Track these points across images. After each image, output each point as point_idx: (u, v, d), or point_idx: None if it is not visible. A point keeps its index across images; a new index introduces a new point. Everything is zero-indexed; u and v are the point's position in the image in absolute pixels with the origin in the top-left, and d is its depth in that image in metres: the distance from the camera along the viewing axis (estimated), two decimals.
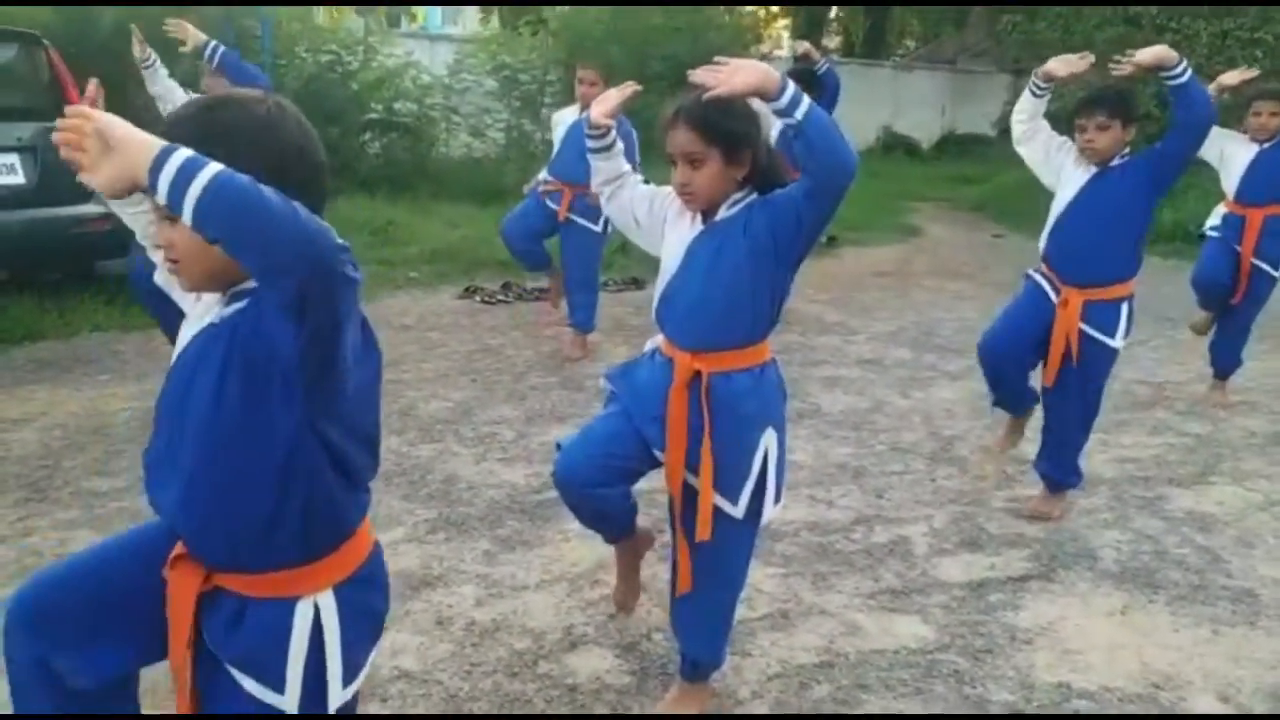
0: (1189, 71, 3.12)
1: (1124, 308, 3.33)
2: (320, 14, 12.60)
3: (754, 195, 2.12)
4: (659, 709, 2.37)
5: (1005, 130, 13.19)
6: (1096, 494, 3.79)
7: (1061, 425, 3.50)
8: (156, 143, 1.17)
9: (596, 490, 2.22)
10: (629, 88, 2.34)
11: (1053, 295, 3.38)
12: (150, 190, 1.18)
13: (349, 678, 1.48)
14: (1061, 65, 3.45)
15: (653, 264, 2.29)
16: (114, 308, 5.77)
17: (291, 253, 1.16)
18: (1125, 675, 2.60)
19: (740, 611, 2.83)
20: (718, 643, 2.35)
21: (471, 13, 22.11)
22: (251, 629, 1.42)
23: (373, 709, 2.34)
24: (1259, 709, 2.47)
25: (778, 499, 2.25)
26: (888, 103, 18.02)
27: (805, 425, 4.48)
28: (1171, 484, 3.92)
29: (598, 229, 5.35)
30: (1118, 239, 3.29)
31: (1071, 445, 3.52)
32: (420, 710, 2.37)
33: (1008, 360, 3.49)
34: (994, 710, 2.44)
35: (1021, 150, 3.56)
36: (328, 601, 1.44)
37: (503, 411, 4.51)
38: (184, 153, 1.16)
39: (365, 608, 1.51)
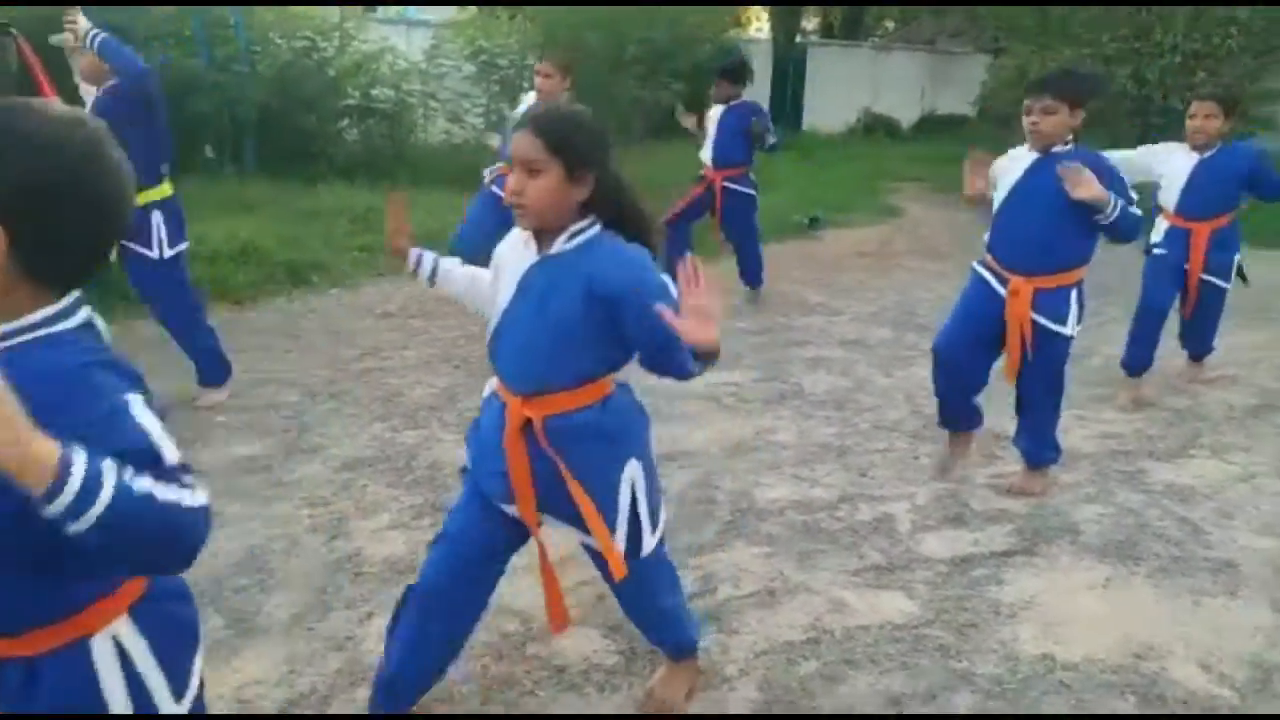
0: (1118, 210, 3.09)
1: (1073, 294, 3.26)
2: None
3: (596, 230, 1.95)
4: (650, 686, 2.37)
5: (984, 110, 13.17)
6: (1078, 469, 3.83)
7: (1032, 407, 3.51)
8: (53, 460, 0.99)
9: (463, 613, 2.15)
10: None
11: (999, 287, 3.30)
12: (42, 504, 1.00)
13: (180, 690, 1.33)
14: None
15: None
16: (90, 301, 5.68)
17: (162, 560, 1.11)
18: (1107, 646, 2.63)
19: (726, 590, 2.86)
20: (678, 631, 2.32)
21: None
22: (52, 688, 1.23)
23: (360, 694, 2.34)
24: (1239, 677, 2.51)
25: (654, 528, 2.10)
26: (867, 84, 18.01)
27: (789, 406, 4.50)
28: (1152, 458, 3.96)
29: None
30: (1061, 227, 3.19)
31: (1045, 423, 3.53)
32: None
33: (965, 360, 3.42)
34: (979, 683, 2.46)
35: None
36: (126, 629, 1.27)
37: None
38: (79, 475, 1.00)
39: (171, 620, 1.34)
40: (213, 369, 4.35)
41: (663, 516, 2.15)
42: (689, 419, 4.30)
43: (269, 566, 2.94)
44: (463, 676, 2.38)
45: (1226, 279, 4.59)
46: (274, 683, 2.39)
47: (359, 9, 13.20)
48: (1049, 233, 3.20)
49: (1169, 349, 5.25)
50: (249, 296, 5.94)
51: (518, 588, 2.85)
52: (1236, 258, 4.61)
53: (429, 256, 2.29)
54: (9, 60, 5.73)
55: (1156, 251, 4.60)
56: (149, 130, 3.94)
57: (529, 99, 5.43)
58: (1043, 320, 3.27)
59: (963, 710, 2.37)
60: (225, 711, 2.31)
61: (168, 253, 4.05)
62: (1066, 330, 3.29)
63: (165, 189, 4.08)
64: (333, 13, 11.09)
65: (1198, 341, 4.88)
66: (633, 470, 2.04)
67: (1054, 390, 3.47)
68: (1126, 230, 3.16)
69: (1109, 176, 3.13)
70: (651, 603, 2.26)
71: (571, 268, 1.92)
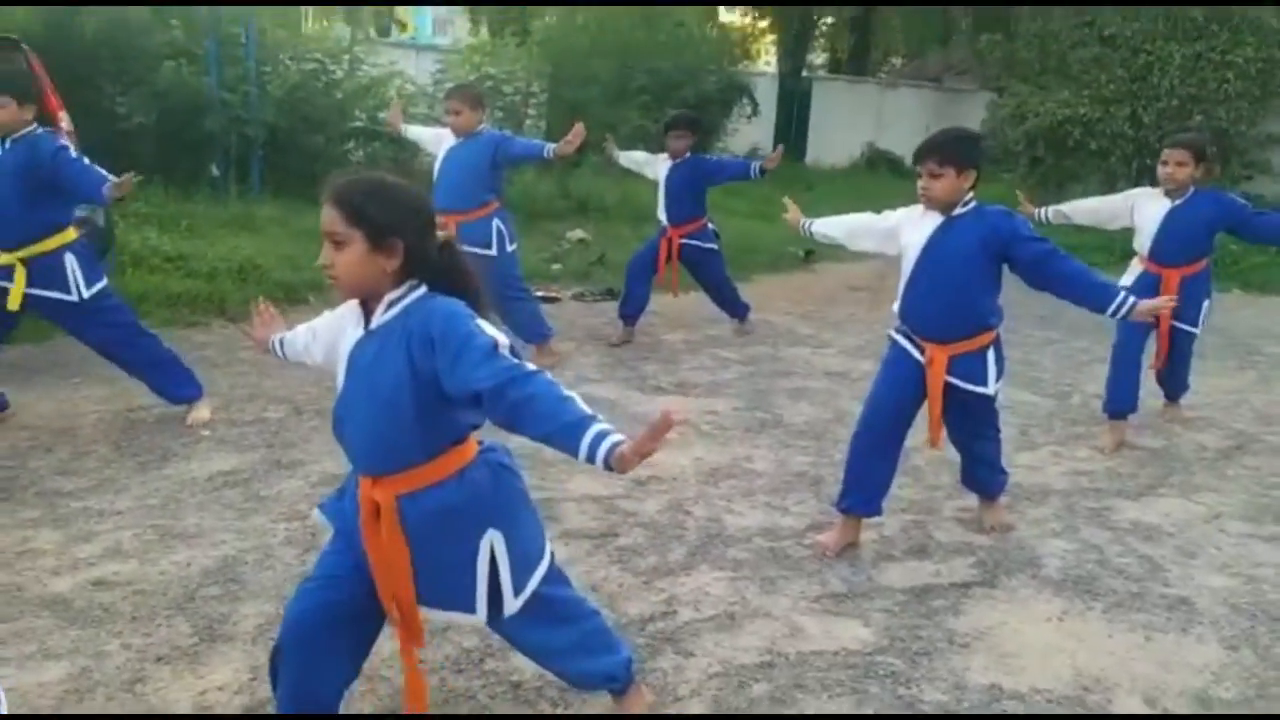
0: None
1: (990, 354, 3.26)
2: (308, 22, 12.69)
3: (418, 294, 1.92)
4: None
5: (989, 149, 13.26)
6: (1046, 504, 3.88)
7: (971, 450, 3.55)
8: None
9: (316, 656, 2.04)
10: None
11: (917, 354, 3.28)
12: None
13: None
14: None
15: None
16: None
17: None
18: (1056, 678, 2.68)
19: (686, 613, 2.91)
20: (585, 663, 2.26)
21: (461, 24, 22.22)
22: None
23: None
24: (1181, 712, 2.55)
25: (519, 589, 2.05)
26: (872, 119, 18.19)
27: (767, 435, 4.56)
28: (1120, 496, 4.01)
29: (493, 252, 5.21)
30: (970, 291, 3.18)
31: (990, 457, 3.56)
32: (368, 706, 2.43)
33: (887, 438, 3.33)
34: (925, 709, 2.51)
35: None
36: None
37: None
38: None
39: None
40: (180, 382, 4.30)
41: (541, 570, 2.11)
42: (667, 444, 4.35)
43: (241, 577, 3.01)
44: None
45: (1195, 325, 4.61)
46: (235, 690, 2.45)
47: (371, 32, 13.42)
48: (959, 297, 3.18)
49: (1152, 386, 5.31)
50: (244, 314, 6.02)
51: None
52: (1206, 304, 4.65)
53: (276, 339, 2.37)
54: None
55: None
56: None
57: (446, 134, 5.37)
58: (962, 384, 3.25)
59: None
60: (188, 711, 2.37)
61: (87, 293, 4.02)
62: (988, 390, 3.29)
63: (71, 233, 4.06)
64: (343, 35, 11.29)
65: (1174, 384, 4.92)
66: (491, 540, 1.99)
67: (989, 433, 3.51)
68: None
69: (1008, 232, 3.14)
70: (541, 646, 2.22)
71: (393, 337, 1.88)
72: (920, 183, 3.17)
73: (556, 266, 8.30)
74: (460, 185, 5.20)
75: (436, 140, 5.47)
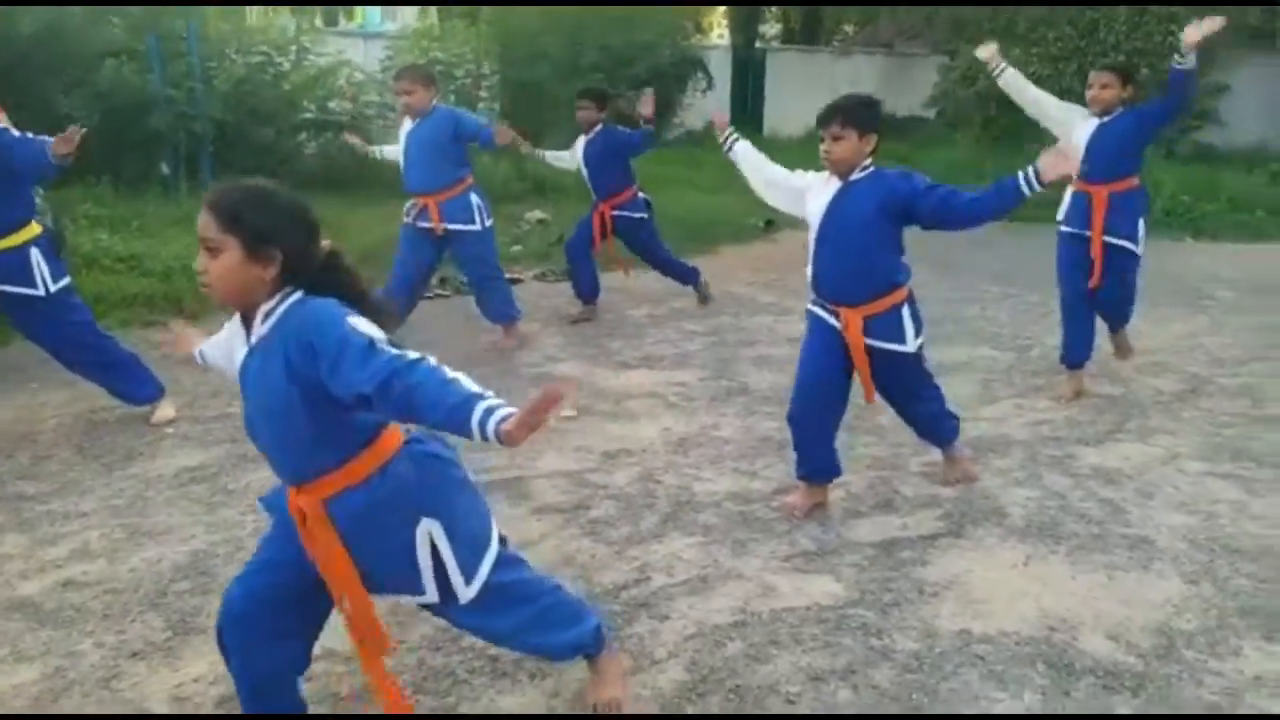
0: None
1: (905, 311, 3.27)
2: (251, 15, 12.48)
3: (292, 300, 1.87)
4: (589, 701, 2.35)
5: (940, 112, 13.39)
6: (1009, 455, 3.95)
7: (911, 407, 3.57)
8: None
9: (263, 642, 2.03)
10: None
11: (833, 320, 3.30)
12: None
13: None
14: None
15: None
16: None
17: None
18: (1022, 620, 2.74)
19: (659, 579, 2.95)
20: (549, 636, 2.23)
21: (410, 10, 21.96)
22: None
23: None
24: (1144, 644, 2.62)
25: (470, 577, 2.04)
26: (826, 87, 18.12)
27: (734, 402, 4.60)
28: (1081, 443, 4.08)
29: (477, 226, 5.23)
30: (872, 251, 3.20)
31: (934, 409, 3.58)
32: (346, 688, 2.44)
33: (822, 409, 3.36)
34: (898, 658, 2.56)
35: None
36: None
37: None
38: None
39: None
40: (140, 382, 4.24)
41: (491, 554, 2.08)
42: (635, 417, 4.40)
43: (211, 570, 3.00)
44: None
45: (1134, 242, 4.50)
46: (211, 680, 2.45)
47: (318, 23, 13.22)
48: (862, 260, 3.20)
49: (1104, 336, 5.40)
50: (203, 310, 5.96)
51: None
52: (1142, 223, 4.55)
53: (197, 351, 2.29)
54: None
55: (1062, 229, 4.64)
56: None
57: (404, 126, 5.31)
58: (881, 344, 3.27)
59: (882, 684, 2.46)
60: (163, 710, 2.37)
61: (53, 287, 3.98)
62: (908, 348, 3.30)
63: (35, 228, 4.02)
64: (288, 26, 11.12)
65: (1114, 310, 4.78)
66: (428, 528, 1.97)
67: (924, 389, 3.51)
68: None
69: (907, 191, 3.13)
70: (505, 630, 2.18)
71: (272, 350, 1.85)
72: (823, 146, 3.17)
73: (517, 248, 8.27)
74: (429, 164, 5.16)
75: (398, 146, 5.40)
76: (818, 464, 3.42)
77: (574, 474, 3.75)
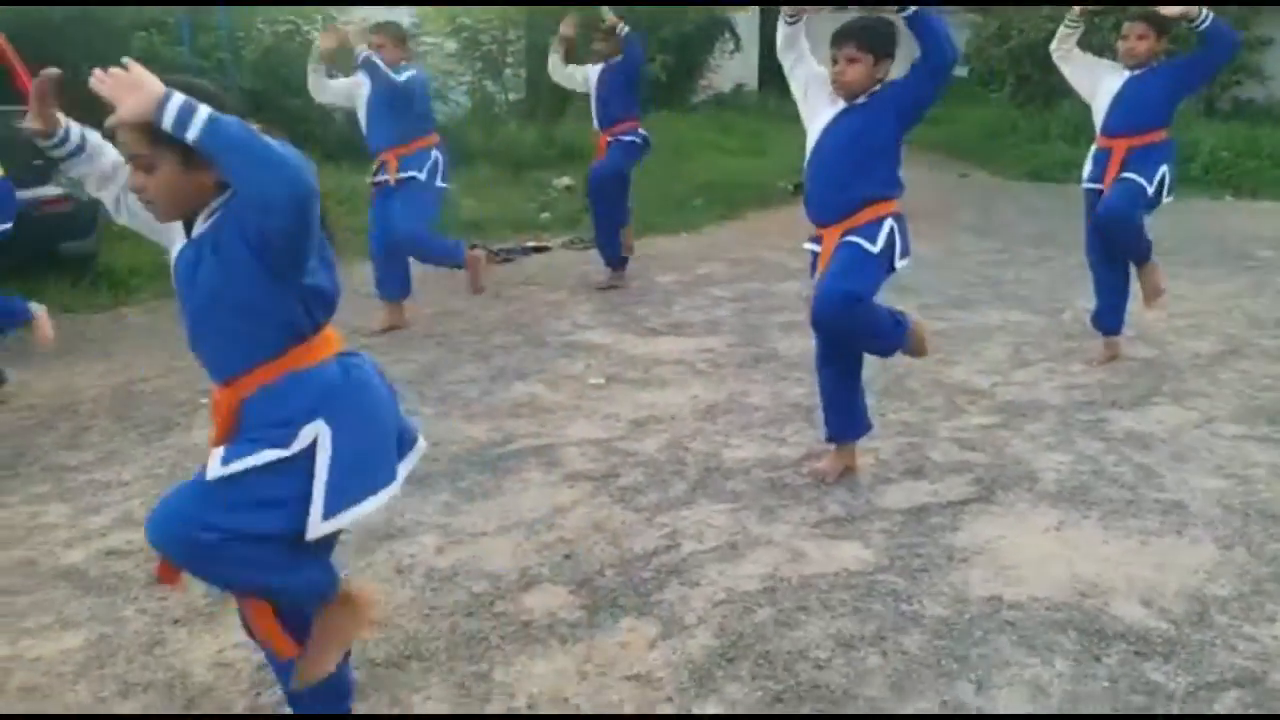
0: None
1: (888, 223, 3.14)
2: None
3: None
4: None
5: (973, 70, 13.10)
6: (1042, 419, 3.92)
7: (838, 381, 3.35)
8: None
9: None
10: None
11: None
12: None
13: None
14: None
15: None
16: (79, 289, 5.83)
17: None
18: (1054, 586, 2.73)
19: (689, 546, 2.98)
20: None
21: None
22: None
23: None
24: (1177, 610, 2.61)
25: (330, 511, 1.84)
26: None
27: (762, 369, 4.59)
28: (1114, 407, 4.04)
29: (422, 176, 5.12)
30: (861, 164, 3.12)
31: (867, 334, 3.29)
32: (381, 654, 2.49)
33: (842, 362, 3.34)
34: (928, 624, 2.57)
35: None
36: None
37: (467, 370, 4.61)
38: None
39: None
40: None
41: (351, 514, 1.88)
42: (664, 384, 4.41)
43: None
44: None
45: (1146, 180, 4.24)
46: (252, 646, 2.49)
47: None
48: (848, 174, 3.13)
49: (1137, 301, 5.32)
50: None
51: (489, 550, 2.98)
52: (1164, 169, 4.30)
53: (71, 129, 1.95)
54: None
55: (1084, 188, 4.50)
56: None
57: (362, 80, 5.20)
58: (850, 238, 3.13)
59: (912, 650, 2.47)
60: (205, 681, 2.43)
61: None
62: (872, 247, 3.11)
63: None
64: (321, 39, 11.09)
65: (1115, 228, 4.37)
66: (315, 430, 1.83)
67: (850, 289, 3.11)
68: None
69: (901, 84, 3.08)
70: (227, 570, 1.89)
71: (220, 234, 1.80)
72: (835, 68, 3.09)
73: (545, 215, 8.27)
74: (390, 120, 5.10)
75: (350, 92, 5.30)
76: (844, 420, 3.40)
77: (603, 442, 3.78)
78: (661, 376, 4.51)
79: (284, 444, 1.82)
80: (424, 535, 3.06)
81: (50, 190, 5.53)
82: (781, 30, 3.29)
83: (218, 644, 2.54)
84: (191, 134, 1.62)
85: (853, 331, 3.26)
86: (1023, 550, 2.93)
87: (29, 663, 2.48)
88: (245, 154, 1.64)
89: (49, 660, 2.49)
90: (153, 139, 1.72)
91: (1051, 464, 3.51)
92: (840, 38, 3.08)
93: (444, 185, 5.28)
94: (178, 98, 1.63)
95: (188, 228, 1.86)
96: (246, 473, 1.79)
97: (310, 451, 1.83)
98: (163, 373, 4.48)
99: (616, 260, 6.18)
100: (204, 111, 1.62)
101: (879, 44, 3.07)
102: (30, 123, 1.91)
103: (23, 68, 5.64)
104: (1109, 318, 4.59)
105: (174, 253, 1.90)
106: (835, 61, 3.10)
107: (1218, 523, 3.07)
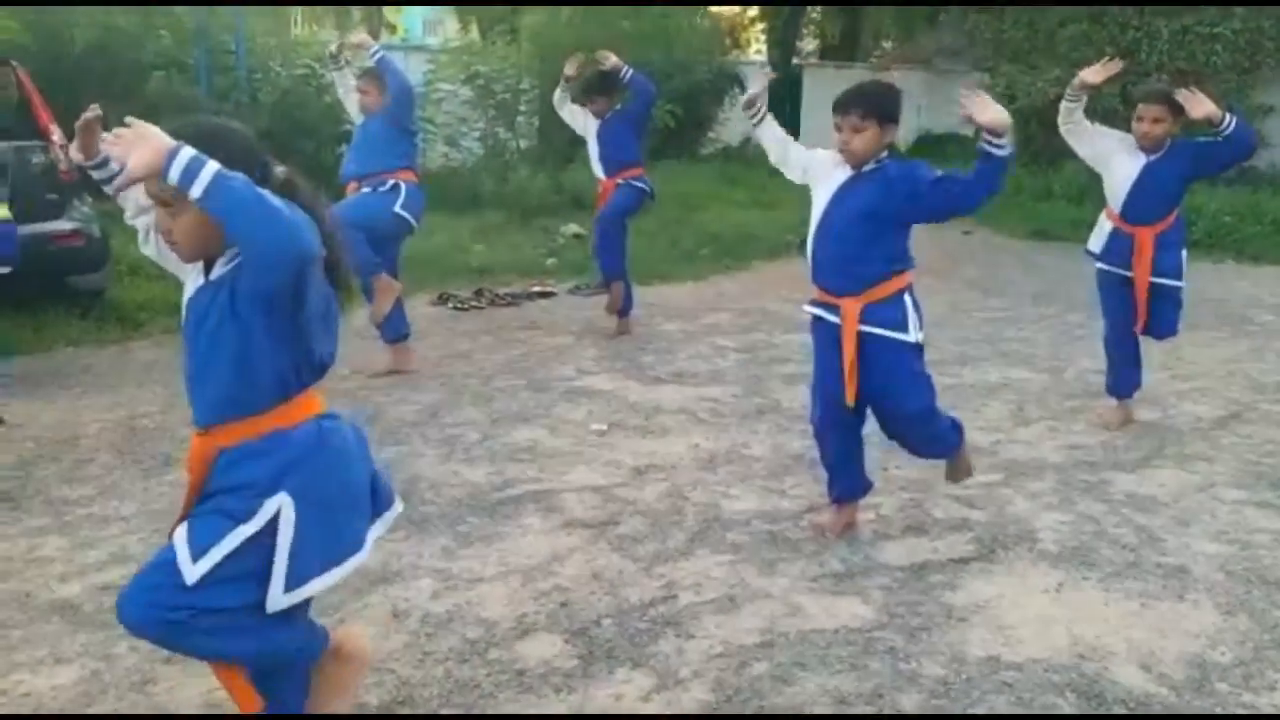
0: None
1: (906, 299, 3.14)
2: (296, 27, 12.72)
3: None
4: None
5: (978, 129, 13.23)
6: (1042, 478, 3.91)
7: (907, 430, 3.29)
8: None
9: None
10: None
11: (834, 318, 3.17)
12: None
13: None
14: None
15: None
16: (87, 322, 5.86)
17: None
18: (1053, 648, 2.71)
19: (687, 597, 2.96)
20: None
21: (451, 24, 22.22)
22: None
23: None
24: (1177, 676, 2.58)
25: (289, 585, 1.87)
26: None
27: (765, 420, 4.60)
28: (1116, 468, 4.03)
29: (386, 191, 5.07)
30: (872, 236, 3.09)
31: (925, 419, 3.25)
32: (375, 699, 2.47)
33: (845, 429, 3.29)
34: (925, 683, 2.55)
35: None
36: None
37: (469, 414, 4.61)
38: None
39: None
40: None
41: (313, 587, 1.92)
42: (666, 432, 4.41)
43: None
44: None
45: (1178, 277, 4.36)
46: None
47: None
48: (865, 249, 3.09)
49: (1149, 359, 5.30)
50: None
51: (485, 596, 2.96)
52: (1184, 254, 4.41)
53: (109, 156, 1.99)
54: (10, 92, 5.90)
55: (1100, 266, 4.48)
56: None
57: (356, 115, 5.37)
58: (880, 330, 3.11)
59: (909, 709, 2.45)
60: (196, 711, 2.41)
61: None
62: (909, 337, 3.13)
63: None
64: (332, 40, 11.30)
65: (1162, 326, 4.49)
66: (279, 503, 1.86)
67: (920, 388, 3.18)
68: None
69: (912, 181, 3.05)
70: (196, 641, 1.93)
71: (223, 290, 1.84)
72: (840, 136, 3.07)
73: (552, 261, 8.33)
74: (367, 152, 5.15)
75: (353, 106, 5.38)
76: (848, 481, 3.40)
77: (603, 489, 3.77)
78: (663, 425, 4.51)
79: (246, 518, 1.86)
80: (421, 579, 3.05)
81: (63, 225, 5.60)
82: (756, 133, 3.43)
83: (209, 684, 2.50)
84: (196, 191, 1.65)
85: (920, 441, 3.33)
86: (1022, 610, 2.91)
87: (19, 698, 2.46)
88: (247, 214, 1.67)
89: (39, 695, 2.47)
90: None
91: (1052, 524, 3.50)
92: (843, 106, 3.06)
93: (405, 215, 5.14)
94: (185, 153, 1.66)
95: (208, 268, 1.90)
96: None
97: (273, 526, 1.87)
98: (166, 408, 4.49)
99: (627, 308, 6.21)
100: (210, 169, 1.66)
101: (884, 110, 3.05)
102: (73, 152, 2.06)
103: (43, 105, 5.73)
104: (1128, 383, 4.55)
105: (189, 291, 1.93)
106: (839, 129, 3.08)
107: (1219, 588, 3.05)
